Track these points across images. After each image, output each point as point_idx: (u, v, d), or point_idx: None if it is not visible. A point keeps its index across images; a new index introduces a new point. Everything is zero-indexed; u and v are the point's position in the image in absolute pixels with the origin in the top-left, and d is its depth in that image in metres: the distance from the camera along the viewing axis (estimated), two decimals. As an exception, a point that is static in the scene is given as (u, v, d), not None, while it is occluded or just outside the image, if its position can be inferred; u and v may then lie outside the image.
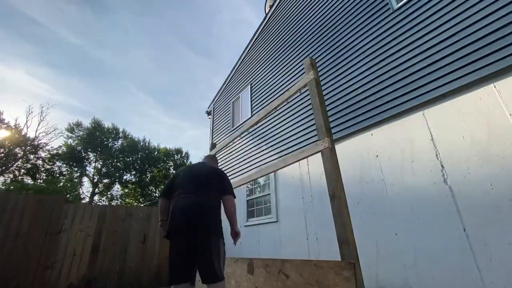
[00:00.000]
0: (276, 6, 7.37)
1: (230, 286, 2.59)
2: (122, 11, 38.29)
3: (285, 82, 6.07)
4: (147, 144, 28.82)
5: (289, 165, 2.62)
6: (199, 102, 49.22)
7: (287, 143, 5.40)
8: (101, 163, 25.83)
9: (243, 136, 6.90)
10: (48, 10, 31.54)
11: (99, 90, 40.43)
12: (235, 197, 2.19)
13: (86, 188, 24.86)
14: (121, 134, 27.85)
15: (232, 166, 7.17)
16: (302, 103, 5.23)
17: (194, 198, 2.01)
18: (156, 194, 26.14)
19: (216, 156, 4.45)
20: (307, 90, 2.37)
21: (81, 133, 25.16)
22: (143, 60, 41.25)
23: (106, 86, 40.21)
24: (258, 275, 2.27)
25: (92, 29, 36.76)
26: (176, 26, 42.99)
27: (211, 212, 2.00)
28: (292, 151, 5.15)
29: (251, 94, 7.50)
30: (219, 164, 7.78)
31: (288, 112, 5.59)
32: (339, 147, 4.10)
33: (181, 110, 48.04)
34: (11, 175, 19.72)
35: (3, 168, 19.05)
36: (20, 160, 20.19)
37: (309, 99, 2.82)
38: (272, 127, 5.98)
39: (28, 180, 20.14)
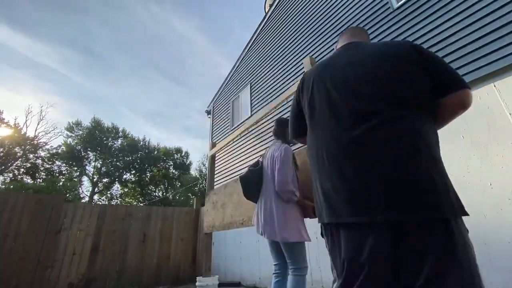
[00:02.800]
0: (276, 6, 7.37)
1: (234, 200, 2.84)
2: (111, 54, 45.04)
3: (285, 81, 6.07)
4: (147, 144, 28.78)
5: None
6: (183, 120, 57.41)
7: (286, 142, 5.39)
8: (100, 162, 25.79)
9: (243, 136, 6.90)
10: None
11: (95, 111, 46.07)
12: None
13: (85, 187, 24.81)
14: (120, 134, 27.78)
15: (232, 165, 7.17)
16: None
17: None
18: (156, 194, 26.12)
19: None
20: (307, 89, 2.37)
21: (81, 132, 25.12)
22: (131, 89, 48.66)
23: (101, 109, 45.50)
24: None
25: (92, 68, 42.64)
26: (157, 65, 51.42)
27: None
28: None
29: (251, 94, 7.49)
30: (218, 164, 7.76)
31: (288, 112, 5.59)
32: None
33: (169, 127, 55.54)
34: (11, 175, 19.70)
35: (3, 167, 19.04)
36: (20, 159, 20.16)
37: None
38: (272, 126, 5.97)
39: (28, 180, 20.10)
